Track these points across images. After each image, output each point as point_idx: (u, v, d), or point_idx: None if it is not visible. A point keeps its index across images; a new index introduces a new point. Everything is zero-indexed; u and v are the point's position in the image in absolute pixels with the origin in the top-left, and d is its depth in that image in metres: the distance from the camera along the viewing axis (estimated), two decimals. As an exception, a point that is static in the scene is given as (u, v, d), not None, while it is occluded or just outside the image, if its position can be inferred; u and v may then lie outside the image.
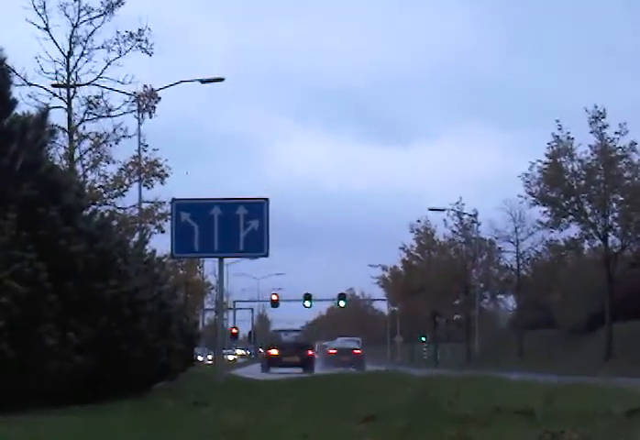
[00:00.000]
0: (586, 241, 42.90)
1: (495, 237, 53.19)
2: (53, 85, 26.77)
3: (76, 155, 27.42)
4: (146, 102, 27.72)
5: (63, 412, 8.56)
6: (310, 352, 38.71)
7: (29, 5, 26.09)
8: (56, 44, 26.63)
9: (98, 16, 26.79)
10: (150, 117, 28.15)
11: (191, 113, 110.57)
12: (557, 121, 41.41)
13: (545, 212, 42.30)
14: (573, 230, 42.41)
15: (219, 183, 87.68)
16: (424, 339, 69.15)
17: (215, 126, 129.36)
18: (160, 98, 28.07)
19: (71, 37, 26.76)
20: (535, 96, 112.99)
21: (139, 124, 28.40)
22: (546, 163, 41.80)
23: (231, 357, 67.76)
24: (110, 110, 27.37)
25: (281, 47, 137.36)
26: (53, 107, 25.13)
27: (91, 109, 27.18)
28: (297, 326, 62.94)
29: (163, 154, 29.51)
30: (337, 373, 17.89)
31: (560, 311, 50.33)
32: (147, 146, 29.12)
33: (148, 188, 29.25)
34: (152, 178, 28.99)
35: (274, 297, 59.02)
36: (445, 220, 55.70)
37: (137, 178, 28.79)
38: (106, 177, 28.49)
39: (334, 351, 48.93)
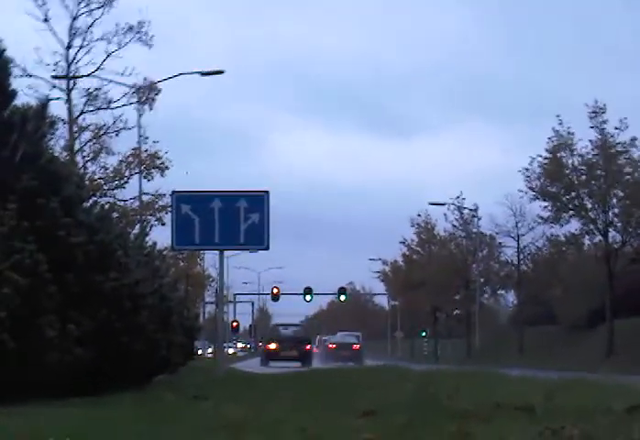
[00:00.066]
0: (586, 237, 42.88)
1: (496, 232, 53.19)
2: (53, 77, 26.72)
3: (76, 146, 27.38)
4: (146, 94, 27.67)
5: (63, 403, 8.55)
6: (308, 346, 39.14)
7: (29, -4, 26.01)
8: (55, 36, 26.58)
9: (98, 8, 26.72)
10: (150, 109, 28.13)
11: (191, 105, 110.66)
12: (558, 116, 41.42)
13: (545, 207, 42.28)
14: (574, 225, 42.42)
15: (219, 176, 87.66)
16: (424, 334, 69.18)
17: (215, 118, 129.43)
18: (160, 90, 28.04)
19: (70, 28, 26.69)
20: (535, 93, 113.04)
21: (139, 116, 28.38)
22: (546, 158, 41.74)
23: (231, 351, 67.82)
24: (110, 102, 27.32)
25: (281, 40, 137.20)
26: (53, 99, 25.08)
27: (91, 101, 27.13)
28: (297, 321, 63.04)
29: (163, 146, 29.50)
30: (337, 368, 17.89)
31: (561, 306, 50.33)
32: (147, 138, 29.12)
33: (149, 180, 29.24)
34: (152, 170, 28.96)
35: (275, 290, 59.04)
36: (445, 214, 55.70)
37: (137, 170, 28.76)
38: (106, 169, 28.48)
39: (333, 346, 49.55)
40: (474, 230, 55.12)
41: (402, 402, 6.97)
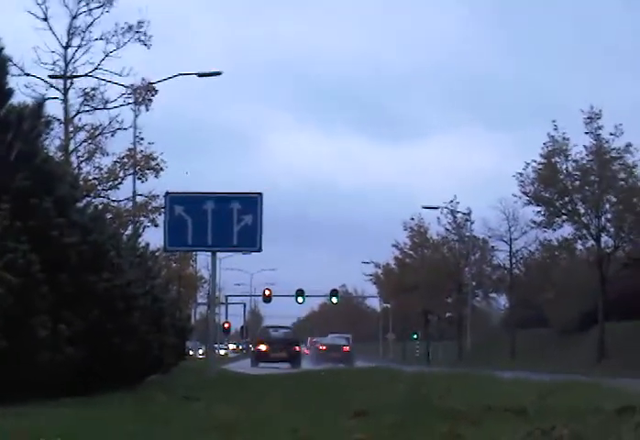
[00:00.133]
0: (579, 241, 43.00)
1: (488, 236, 53.30)
2: (50, 76, 26.71)
3: (71, 146, 27.37)
4: (142, 94, 27.66)
5: (55, 403, 8.55)
6: (297, 348, 40.01)
7: (29, -6, 25.99)
8: (54, 35, 26.58)
9: (97, 8, 26.73)
10: (147, 110, 28.12)
11: (187, 106, 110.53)
12: (554, 121, 41.53)
13: (538, 211, 42.39)
14: (566, 230, 42.55)
15: (215, 176, 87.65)
16: (415, 337, 69.24)
17: (213, 119, 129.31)
18: (156, 91, 28.04)
19: (69, 28, 26.69)
20: (533, 96, 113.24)
21: (135, 116, 28.36)
22: (540, 163, 41.86)
23: (222, 352, 67.78)
24: (106, 102, 27.32)
25: (280, 40, 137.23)
26: (50, 98, 25.07)
27: (87, 101, 27.11)
28: (288, 323, 63.07)
29: (159, 147, 29.51)
30: (328, 369, 17.91)
31: (553, 310, 50.44)
32: (142, 139, 29.11)
33: (143, 181, 29.23)
34: (147, 171, 28.95)
35: (267, 292, 59.02)
36: (438, 218, 55.81)
37: (131, 171, 28.74)
38: (101, 169, 28.46)
39: (324, 347, 50.19)
40: (467, 234, 55.21)
41: (393, 403, 6.99)
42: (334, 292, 60.81)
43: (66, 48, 26.71)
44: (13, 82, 10.96)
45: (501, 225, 51.23)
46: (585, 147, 40.81)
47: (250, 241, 15.30)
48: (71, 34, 26.68)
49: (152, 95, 27.91)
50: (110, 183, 28.52)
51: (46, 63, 26.39)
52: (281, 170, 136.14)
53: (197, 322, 58.36)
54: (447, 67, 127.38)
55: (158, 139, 30.31)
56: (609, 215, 41.25)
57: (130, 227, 26.61)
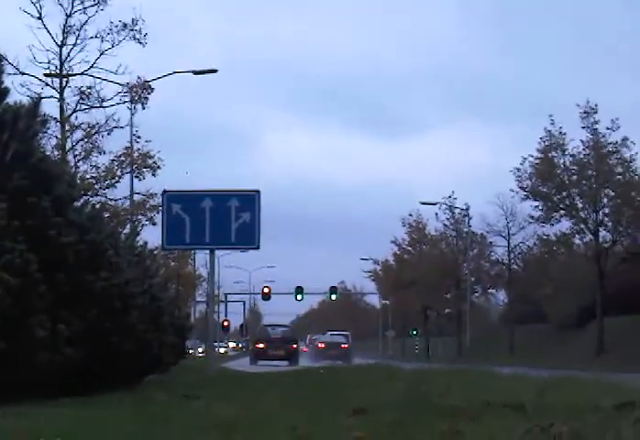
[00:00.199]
0: (577, 236, 43.03)
1: (486, 231, 53.36)
2: (46, 75, 26.63)
3: (68, 145, 27.31)
4: (139, 93, 27.61)
5: (54, 403, 8.54)
6: (295, 346, 41.15)
7: (23, -7, 25.92)
8: (49, 33, 26.50)
9: (92, 6, 26.66)
10: (143, 108, 28.06)
11: (185, 105, 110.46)
12: (550, 116, 41.54)
13: (536, 206, 42.44)
14: (564, 225, 42.57)
15: (212, 175, 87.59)
16: (415, 333, 69.27)
17: (210, 118, 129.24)
18: (153, 89, 27.98)
19: (64, 26, 26.63)
20: (529, 92, 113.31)
21: (132, 115, 28.31)
22: (537, 158, 41.88)
23: (222, 350, 67.78)
24: (103, 100, 27.24)
25: (278, 39, 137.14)
26: (45, 97, 25.01)
27: (83, 99, 27.06)
28: (287, 321, 63.23)
29: (156, 145, 29.42)
30: (326, 366, 17.91)
31: (551, 305, 50.48)
32: (139, 137, 29.04)
33: (140, 180, 29.15)
34: (144, 170, 28.89)
35: (266, 290, 59.04)
36: (437, 214, 55.88)
37: (128, 169, 28.69)
38: (98, 168, 28.39)
39: (322, 345, 50.75)
40: (465, 229, 55.24)
41: (392, 401, 6.99)
42: (333, 289, 60.86)
43: (61, 46, 26.66)
44: (8, 81, 10.96)
45: (499, 221, 51.34)
46: (582, 141, 40.90)
47: (249, 239, 15.29)
48: (66, 32, 26.63)
49: (148, 93, 27.85)
50: (107, 182, 28.46)
51: (41, 62, 26.34)
52: (279, 168, 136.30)
53: (196, 320, 58.34)
54: (446, 66, 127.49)
55: (155, 138, 30.31)
56: (606, 210, 41.29)
57: (128, 226, 26.58)
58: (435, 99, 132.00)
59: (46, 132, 20.35)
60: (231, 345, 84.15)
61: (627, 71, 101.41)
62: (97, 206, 13.63)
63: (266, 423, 5.96)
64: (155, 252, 19.33)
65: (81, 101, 27.05)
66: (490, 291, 59.33)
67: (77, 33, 26.65)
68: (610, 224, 41.44)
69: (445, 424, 5.27)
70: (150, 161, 28.90)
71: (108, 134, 27.75)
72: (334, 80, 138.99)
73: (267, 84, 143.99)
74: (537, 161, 41.85)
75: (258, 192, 15.38)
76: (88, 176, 28.11)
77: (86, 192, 25.63)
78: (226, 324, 66.05)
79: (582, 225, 41.47)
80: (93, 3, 26.59)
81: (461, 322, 55.66)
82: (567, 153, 41.51)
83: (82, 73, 26.90)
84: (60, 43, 26.63)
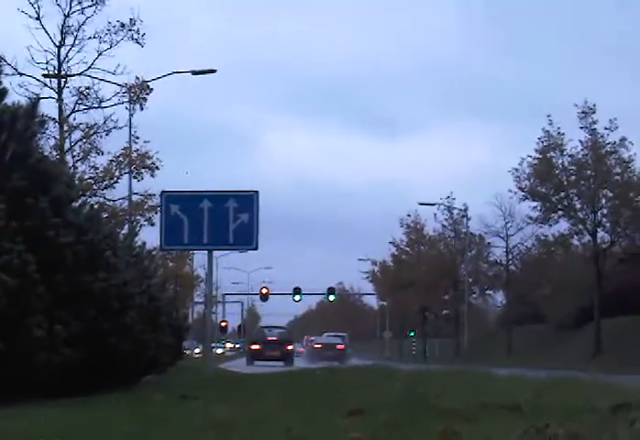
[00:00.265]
0: (575, 237, 43.05)
1: (485, 232, 53.37)
2: (44, 75, 26.65)
3: (66, 146, 27.31)
4: (137, 93, 27.62)
5: (52, 404, 8.55)
6: (290, 347, 42.59)
7: (22, -6, 25.94)
8: (47, 34, 26.53)
9: (90, 6, 26.68)
10: (142, 109, 28.07)
11: (183, 105, 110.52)
12: (549, 116, 41.56)
13: (534, 207, 42.44)
14: (563, 225, 42.59)
15: (210, 176, 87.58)
16: (413, 334, 69.27)
17: (208, 118, 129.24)
18: (151, 89, 27.99)
19: (62, 26, 26.65)
20: (529, 92, 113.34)
21: (130, 115, 28.31)
22: (536, 158, 41.89)
23: (220, 351, 67.75)
24: (101, 101, 27.27)
25: (277, 40, 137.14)
26: (44, 97, 25.04)
27: (82, 100, 27.07)
28: (285, 321, 63.36)
29: (154, 146, 29.45)
30: (324, 367, 17.92)
31: (549, 306, 50.50)
32: (137, 138, 29.06)
33: (139, 180, 29.18)
34: (142, 170, 28.90)
35: (264, 291, 59.04)
36: (435, 214, 55.88)
37: (127, 170, 28.70)
38: (96, 168, 28.41)
39: (319, 346, 51.48)
40: (463, 230, 55.25)
41: (389, 402, 7.00)
42: (331, 290, 60.87)
43: (59, 47, 26.67)
44: (6, 81, 10.99)
45: (497, 221, 51.36)
46: (580, 141, 40.92)
47: (247, 239, 15.29)
48: (64, 33, 26.65)
49: (147, 94, 27.88)
50: (106, 182, 28.48)
51: (39, 62, 26.37)
52: (278, 168, 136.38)
53: (194, 321, 58.35)
54: (445, 66, 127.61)
55: (153, 138, 30.29)
56: (605, 210, 41.31)
57: (126, 226, 26.59)
58: (434, 99, 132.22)
59: (44, 133, 20.41)
60: (228, 345, 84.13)
61: (626, 71, 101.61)
62: (95, 207, 13.63)
63: (262, 424, 5.97)
64: (153, 253, 19.33)
65: (79, 101, 27.09)
66: (487, 292, 59.34)
67: (75, 33, 26.71)
68: (608, 224, 41.46)
69: (441, 425, 5.28)
70: (149, 162, 28.93)
71: (107, 134, 27.81)
72: (333, 80, 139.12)
73: (266, 84, 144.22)
74: (536, 162, 41.87)
75: (256, 192, 15.38)
76: (86, 176, 28.14)
77: (84, 193, 25.64)
78: (223, 324, 66.05)
79: (580, 226, 41.48)
80: (91, 3, 26.65)
81: (459, 323, 55.66)
82: (565, 153, 41.54)
83: (80, 74, 26.93)
84: (58, 44, 26.66)
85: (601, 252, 41.09)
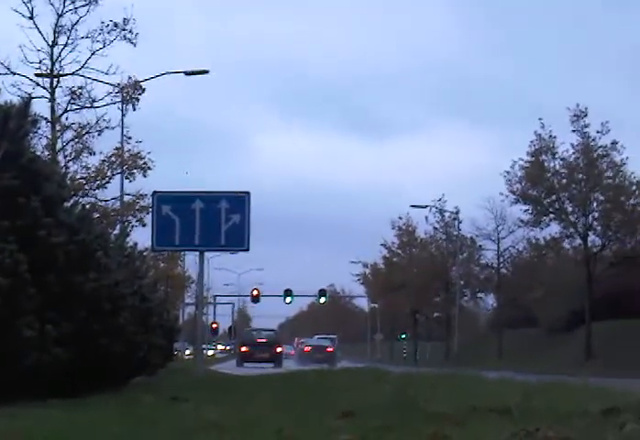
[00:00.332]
0: (566, 240, 43.14)
1: (476, 235, 53.44)
2: (37, 75, 26.59)
3: (58, 146, 27.25)
4: (129, 93, 27.57)
5: (42, 405, 8.52)
6: (279, 349, 43.47)
7: (14, -7, 25.87)
8: (40, 33, 26.47)
9: (83, 6, 26.64)
10: (134, 109, 28.03)
11: (175, 105, 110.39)
12: (540, 119, 41.65)
13: (526, 210, 42.52)
14: (554, 229, 42.68)
15: (201, 176, 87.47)
16: (404, 337, 69.30)
17: (199, 117, 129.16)
18: (144, 89, 27.94)
19: (55, 26, 26.59)
20: (520, 95, 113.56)
21: (123, 115, 28.26)
22: (527, 161, 41.97)
23: (210, 352, 67.66)
24: (94, 101, 27.21)
25: (267, 40, 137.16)
26: (36, 97, 24.99)
27: (74, 99, 27.01)
28: (276, 323, 63.50)
29: (146, 146, 29.40)
30: (315, 370, 17.93)
31: (540, 309, 50.58)
32: (130, 138, 29.01)
33: (130, 181, 29.13)
34: (134, 170, 28.86)
35: (255, 292, 59.00)
36: (426, 217, 55.89)
37: (119, 170, 28.65)
38: (88, 168, 28.36)
39: (309, 348, 51.69)
40: (455, 233, 55.30)
41: (380, 404, 7.01)
42: (322, 292, 60.87)
43: (52, 46, 26.61)
44: (-1, 81, 10.93)
45: (488, 224, 51.45)
46: (572, 145, 41.02)
47: (238, 241, 15.27)
48: (57, 32, 26.60)
49: (139, 94, 27.83)
50: (98, 183, 28.43)
51: (32, 62, 26.31)
52: (269, 169, 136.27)
53: (185, 322, 58.26)
54: (436, 68, 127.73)
55: (146, 138, 30.24)
56: (596, 214, 41.41)
57: (118, 227, 26.53)
58: (425, 101, 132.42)
59: (36, 132, 20.36)
60: (219, 347, 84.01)
61: (618, 74, 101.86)
62: (87, 207, 13.59)
63: (253, 426, 5.97)
64: (145, 253, 19.29)
65: (72, 101, 27.02)
66: (479, 294, 59.42)
67: (68, 33, 26.65)
68: (599, 228, 41.56)
69: (431, 429, 5.28)
70: (141, 162, 28.88)
71: (99, 134, 27.75)
72: (327, 81, 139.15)
73: (259, 85, 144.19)
74: (527, 165, 41.96)
75: (248, 193, 15.36)
76: (78, 176, 28.07)
77: (76, 193, 25.58)
78: (214, 326, 65.97)
79: (572, 230, 41.58)
80: (84, 3, 26.60)
81: (450, 326, 55.69)
82: (557, 157, 41.65)
83: (73, 73, 26.87)
84: (51, 43, 26.60)
85: (593, 256, 41.19)
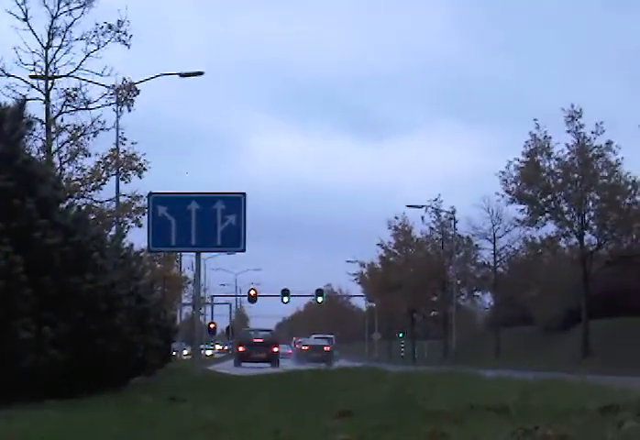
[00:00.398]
0: (562, 239, 43.19)
1: (472, 234, 53.48)
2: (31, 77, 26.56)
3: (53, 147, 27.22)
4: (124, 94, 27.55)
5: (39, 406, 8.51)
6: (275, 349, 44.13)
7: (9, -5, 25.83)
8: (35, 35, 26.44)
9: (77, 8, 26.62)
10: (129, 110, 28.00)
11: (170, 106, 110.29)
12: (535, 120, 41.71)
13: (522, 210, 42.57)
14: (550, 228, 42.73)
15: (197, 177, 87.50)
16: (401, 336, 69.35)
17: (194, 119, 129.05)
18: (138, 91, 27.92)
19: (50, 28, 26.56)
20: (519, 96, 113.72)
21: (117, 117, 28.24)
22: (523, 162, 42.03)
23: (209, 353, 67.66)
24: (88, 102, 27.19)
25: (261, 41, 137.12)
26: (31, 99, 24.97)
27: (69, 101, 26.98)
28: (274, 323, 63.65)
29: (142, 147, 29.39)
30: (313, 369, 17.93)
31: (537, 308, 50.65)
32: (125, 139, 28.98)
33: (126, 182, 29.11)
34: (130, 172, 28.84)
35: (252, 292, 59.00)
36: (423, 217, 55.92)
37: (114, 171, 28.63)
38: (84, 170, 28.33)
39: (306, 348, 51.86)
40: (451, 232, 55.32)
41: (378, 403, 7.01)
42: (319, 292, 60.87)
43: (47, 48, 26.58)
44: (-7, 82, 10.91)
45: (484, 224, 51.50)
46: (567, 145, 41.09)
47: (234, 241, 15.25)
48: (51, 34, 26.55)
49: (134, 95, 27.81)
50: (93, 184, 28.40)
51: (27, 64, 26.27)
52: (265, 170, 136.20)
53: (182, 322, 58.20)
54: (433, 68, 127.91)
55: (141, 140, 30.19)
56: (592, 213, 41.48)
57: (114, 228, 26.50)
58: (425, 101, 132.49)
59: (31, 134, 20.33)
60: (217, 347, 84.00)
61: (618, 74, 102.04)
62: (83, 208, 13.57)
63: (251, 426, 5.96)
64: (141, 254, 19.27)
65: (66, 103, 26.99)
66: (476, 293, 59.47)
67: (63, 35, 26.61)
68: (595, 227, 41.62)
69: (430, 427, 5.28)
70: (136, 163, 28.85)
71: (94, 136, 27.71)
72: (320, 82, 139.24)
73: (253, 86, 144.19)
74: (523, 165, 42.01)
75: (243, 194, 15.35)
76: (74, 178, 28.05)
77: (72, 194, 25.56)
78: (212, 326, 65.98)
79: (568, 229, 41.64)
80: (78, 5, 26.56)
81: (447, 324, 55.73)
82: (552, 157, 41.71)
83: (67, 75, 26.83)
84: (45, 45, 26.57)
85: (589, 254, 41.24)
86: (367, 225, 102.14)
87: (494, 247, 51.81)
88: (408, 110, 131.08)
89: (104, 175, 28.51)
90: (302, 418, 6.28)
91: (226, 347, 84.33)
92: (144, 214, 27.07)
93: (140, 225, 28.32)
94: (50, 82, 26.79)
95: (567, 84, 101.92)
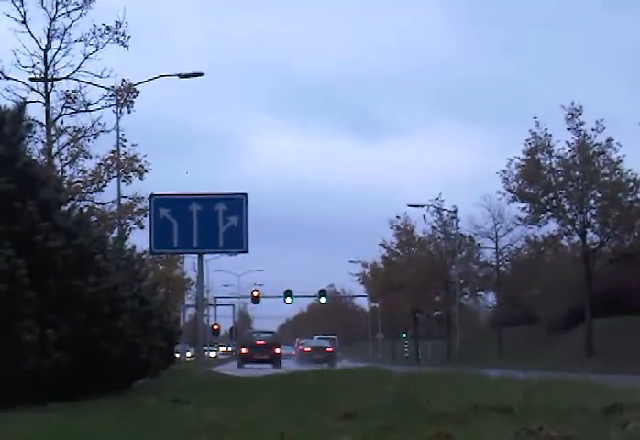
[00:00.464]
0: (565, 237, 43.16)
1: (474, 233, 53.45)
2: (31, 79, 26.56)
3: (54, 150, 27.23)
4: (124, 96, 27.54)
5: (42, 409, 8.50)
6: (277, 351, 45.02)
7: (7, -3, 25.82)
8: (33, 37, 26.43)
9: (75, 10, 26.61)
10: (129, 112, 27.99)
11: (170, 107, 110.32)
12: (535, 118, 41.66)
13: (523, 208, 42.52)
14: (552, 226, 42.69)
15: (198, 179, 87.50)
16: (405, 336, 69.31)
17: (193, 120, 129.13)
18: (138, 92, 27.92)
19: (48, 30, 26.56)
20: (519, 95, 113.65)
21: (118, 118, 28.24)
22: (524, 160, 41.99)
23: (212, 354, 67.68)
24: (88, 104, 27.19)
25: (261, 41, 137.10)
26: (31, 101, 24.90)
27: (69, 103, 26.98)
28: (277, 324, 63.87)
29: (142, 149, 29.40)
30: (316, 370, 17.93)
31: (540, 307, 50.61)
32: (125, 141, 28.99)
33: (127, 184, 29.12)
34: (131, 173, 28.84)
35: (255, 293, 59.01)
36: (424, 216, 55.87)
37: (115, 173, 28.63)
38: (85, 172, 28.33)
39: (309, 349, 52.19)
40: (453, 232, 55.28)
41: (381, 405, 6.99)
42: (322, 292, 60.93)
43: (46, 50, 26.57)
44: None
45: (486, 223, 51.48)
46: (567, 143, 41.04)
47: (236, 242, 15.25)
48: (50, 36, 26.55)
49: (134, 97, 27.80)
50: (94, 186, 28.41)
51: (26, 66, 26.26)
52: (266, 170, 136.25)
53: (186, 324, 58.21)
54: (432, 68, 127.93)
55: (141, 141, 30.22)
56: (593, 211, 41.43)
57: (116, 230, 26.50)
58: (425, 101, 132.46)
59: (32, 136, 20.26)
60: (221, 348, 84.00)
61: (618, 73, 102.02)
62: (84, 210, 13.59)
63: (255, 428, 5.95)
64: (143, 256, 19.28)
65: (66, 105, 26.98)
66: (478, 293, 59.43)
67: (61, 37, 26.60)
68: (597, 225, 41.56)
69: (433, 428, 5.26)
70: (137, 165, 28.86)
71: (94, 138, 27.71)
72: (320, 82, 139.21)
73: (253, 86, 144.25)
74: (524, 163, 41.97)
75: (245, 195, 15.34)
76: (75, 180, 28.05)
77: (73, 197, 25.54)
78: (216, 327, 65.99)
79: (570, 227, 41.59)
80: (76, 6, 26.55)
81: (450, 324, 55.69)
82: (553, 155, 41.66)
83: (67, 77, 26.83)
84: (44, 47, 26.56)
85: (591, 253, 41.20)
86: (367, 224, 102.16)
87: (496, 245, 51.81)
88: (408, 110, 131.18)
89: (106, 177, 28.52)
90: (305, 419, 6.27)
91: (230, 349, 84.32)
92: (146, 216, 27.07)
93: (142, 227, 28.31)
94: (50, 84, 26.79)
95: (567, 84, 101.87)
